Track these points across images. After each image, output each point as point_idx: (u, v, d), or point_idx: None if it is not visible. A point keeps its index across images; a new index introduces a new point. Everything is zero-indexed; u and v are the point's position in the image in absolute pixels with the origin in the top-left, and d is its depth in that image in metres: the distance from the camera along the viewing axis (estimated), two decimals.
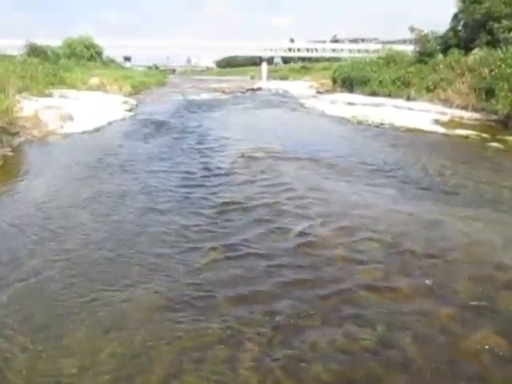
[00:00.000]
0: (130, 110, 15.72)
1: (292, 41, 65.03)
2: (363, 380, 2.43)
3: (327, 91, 26.07)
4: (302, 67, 56.60)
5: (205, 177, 6.45)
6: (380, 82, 20.42)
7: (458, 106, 14.72)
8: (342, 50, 57.02)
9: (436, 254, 3.86)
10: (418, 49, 20.87)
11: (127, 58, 54.65)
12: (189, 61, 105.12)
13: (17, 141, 8.55)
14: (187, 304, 3.09)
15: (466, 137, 10.54)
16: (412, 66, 19.57)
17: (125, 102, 17.50)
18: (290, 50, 60.84)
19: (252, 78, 58.91)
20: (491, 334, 2.76)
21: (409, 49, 23.25)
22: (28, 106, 10.54)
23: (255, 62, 65.63)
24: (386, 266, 3.62)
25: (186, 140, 9.71)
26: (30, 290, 3.23)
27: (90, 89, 20.18)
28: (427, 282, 3.37)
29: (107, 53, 40.62)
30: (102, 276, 3.46)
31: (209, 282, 3.39)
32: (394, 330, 2.81)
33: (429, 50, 19.81)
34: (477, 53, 16.69)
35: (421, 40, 20.72)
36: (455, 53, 17.67)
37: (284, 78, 51.46)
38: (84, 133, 10.50)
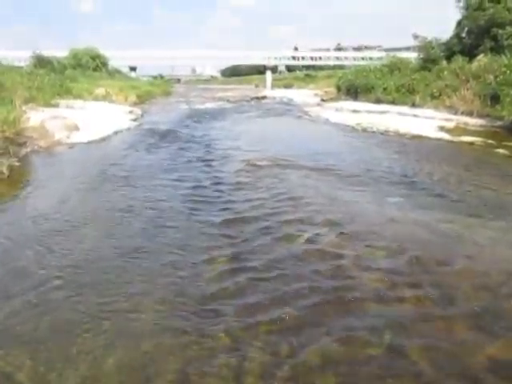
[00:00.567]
0: (136, 120, 15.81)
1: (296, 49, 65.45)
2: None
3: (332, 99, 26.09)
4: (307, 75, 56.82)
5: (211, 185, 6.45)
6: (384, 89, 20.44)
7: (463, 113, 14.69)
8: (345, 57, 57.30)
9: (443, 261, 3.82)
10: (421, 56, 20.91)
11: (133, 68, 55.17)
12: (193, 70, 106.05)
13: (23, 151, 8.61)
14: (192, 314, 3.07)
15: (472, 143, 10.50)
16: (416, 72, 19.60)
17: (130, 112, 17.61)
18: (294, 58, 61.21)
19: (256, 86, 59.15)
20: (502, 345, 2.72)
21: (413, 56, 23.29)
22: (34, 117, 10.62)
23: (259, 70, 66.03)
24: (392, 274, 3.59)
25: (190, 150, 9.73)
26: (35, 301, 3.22)
27: (96, 99, 20.33)
28: (434, 290, 3.34)
29: (113, 63, 40.95)
30: (106, 287, 3.45)
31: (215, 291, 3.37)
32: (401, 339, 2.78)
33: (433, 57, 19.84)
34: (481, 59, 16.69)
35: (425, 47, 20.78)
36: (459, 59, 17.67)
37: (288, 86, 51.65)
38: (90, 143, 10.56)
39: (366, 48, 66.39)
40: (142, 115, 17.87)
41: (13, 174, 7.01)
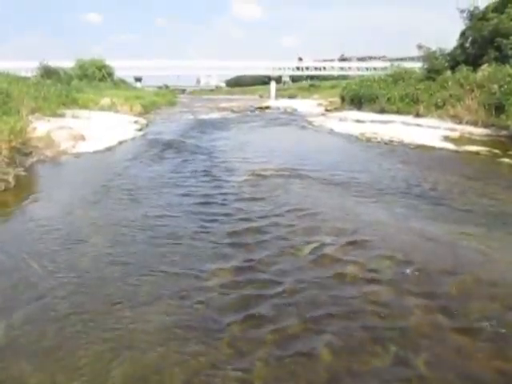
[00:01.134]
0: (140, 130, 15.89)
1: (300, 59, 65.76)
2: None
3: (336, 109, 26.14)
4: (311, 85, 57.11)
5: (216, 195, 6.46)
6: (388, 99, 20.46)
7: (467, 122, 14.68)
8: (349, 68, 57.55)
9: (449, 272, 3.79)
10: (426, 66, 20.98)
11: (138, 79, 55.61)
12: (198, 81, 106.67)
13: (29, 161, 8.66)
14: (197, 324, 3.06)
15: (477, 153, 10.46)
16: (420, 82, 19.63)
17: (135, 122, 17.71)
18: (298, 68, 61.54)
19: (261, 96, 59.44)
20: (509, 357, 2.68)
21: (417, 66, 23.36)
22: (41, 127, 10.70)
23: (264, 81, 66.46)
24: (397, 285, 3.56)
25: (195, 161, 9.71)
26: (40, 311, 3.22)
27: (102, 109, 20.50)
28: (440, 301, 3.31)
29: (118, 74, 41.37)
30: (111, 297, 3.44)
31: (219, 302, 3.36)
32: (406, 351, 2.75)
33: (437, 67, 19.88)
34: (485, 69, 16.72)
35: (429, 57, 20.86)
36: (464, 69, 17.71)
37: (292, 96, 51.82)
38: (95, 152, 10.61)
39: (370, 58, 66.65)
40: (146, 125, 17.96)
41: (19, 184, 7.04)
